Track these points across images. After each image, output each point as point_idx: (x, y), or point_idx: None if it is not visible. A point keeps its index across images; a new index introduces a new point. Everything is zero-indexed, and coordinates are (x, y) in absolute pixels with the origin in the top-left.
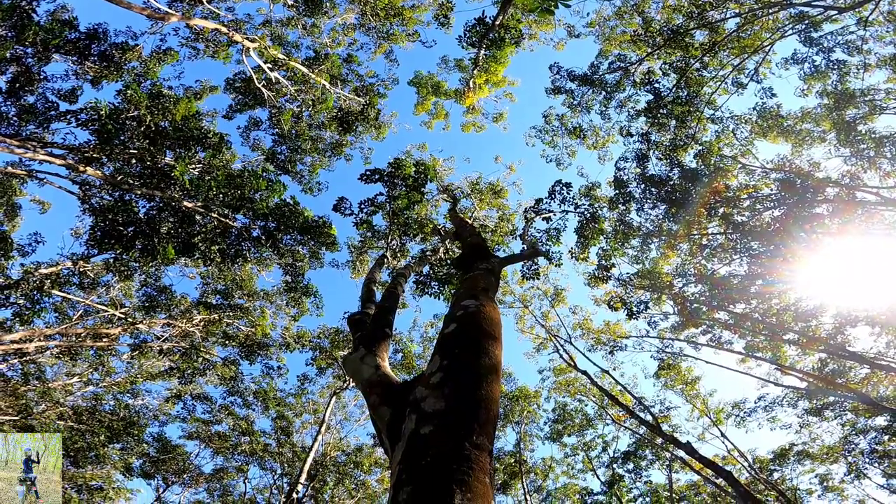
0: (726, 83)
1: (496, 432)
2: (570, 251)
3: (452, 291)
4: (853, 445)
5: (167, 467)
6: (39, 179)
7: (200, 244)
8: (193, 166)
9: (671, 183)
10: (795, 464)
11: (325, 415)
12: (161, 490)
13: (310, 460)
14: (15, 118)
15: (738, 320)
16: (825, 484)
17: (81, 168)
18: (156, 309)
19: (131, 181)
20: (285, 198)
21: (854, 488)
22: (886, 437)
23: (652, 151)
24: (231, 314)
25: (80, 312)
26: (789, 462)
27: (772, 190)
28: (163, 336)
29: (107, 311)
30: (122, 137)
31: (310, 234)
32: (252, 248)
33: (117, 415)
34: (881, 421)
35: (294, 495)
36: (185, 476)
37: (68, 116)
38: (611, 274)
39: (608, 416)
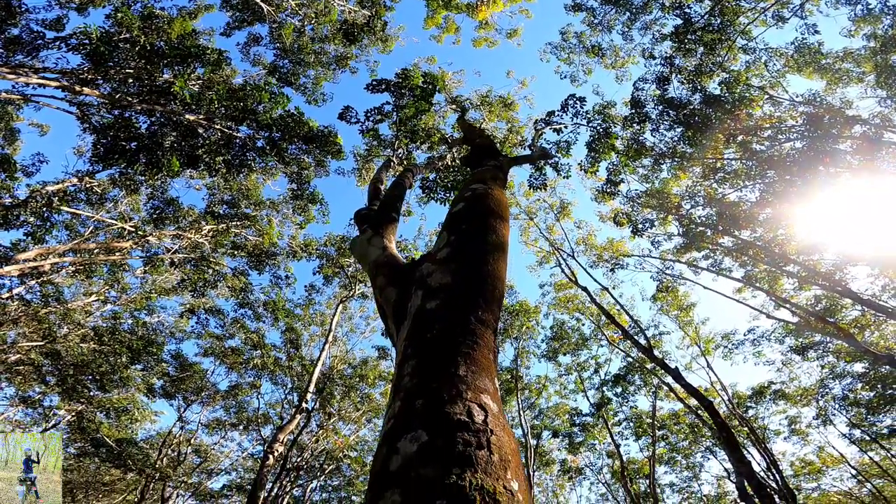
0: (766, 15)
1: (499, 321)
2: (579, 164)
3: None
4: (827, 389)
5: (186, 386)
6: (36, 103)
7: (205, 156)
8: (193, 82)
9: (691, 107)
10: (770, 403)
11: (331, 324)
12: (182, 410)
13: (317, 372)
14: (1, 50)
15: (742, 247)
16: (793, 426)
17: (78, 89)
18: (164, 221)
19: (130, 99)
20: (289, 109)
21: (818, 434)
22: (860, 385)
23: (674, 75)
24: (238, 223)
25: (91, 228)
26: (765, 401)
27: (796, 122)
28: (173, 248)
29: (116, 225)
30: (116, 59)
31: (315, 143)
32: (257, 158)
33: (136, 333)
34: (859, 367)
35: (303, 404)
36: (203, 394)
37: (57, 43)
38: (619, 190)
39: (603, 337)
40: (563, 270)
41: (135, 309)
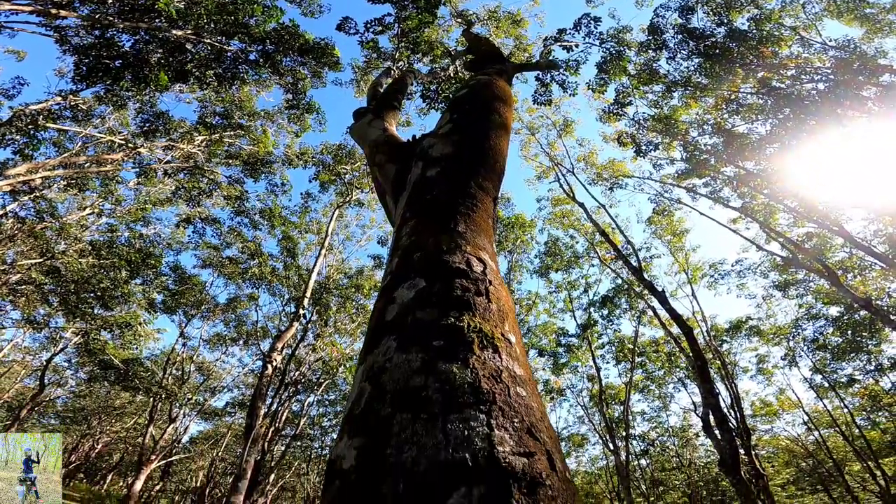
0: None
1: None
2: (587, 84)
3: None
4: (800, 329)
5: (186, 300)
6: (10, 30)
7: (194, 70)
8: None
9: (713, 40)
10: (744, 338)
11: (328, 228)
12: (183, 325)
13: (313, 280)
14: None
15: (744, 177)
16: (761, 365)
17: (54, 12)
18: (155, 133)
19: (111, 18)
20: (283, 21)
21: (782, 376)
22: (831, 329)
23: (700, 6)
24: (232, 134)
25: (79, 144)
26: (740, 336)
27: (823, 65)
28: (165, 159)
29: (105, 139)
30: None
31: (311, 55)
32: (250, 70)
33: (133, 246)
34: (834, 311)
35: (300, 310)
36: (202, 308)
37: None
38: (626, 112)
39: (596, 256)
40: (561, 186)
41: (130, 221)
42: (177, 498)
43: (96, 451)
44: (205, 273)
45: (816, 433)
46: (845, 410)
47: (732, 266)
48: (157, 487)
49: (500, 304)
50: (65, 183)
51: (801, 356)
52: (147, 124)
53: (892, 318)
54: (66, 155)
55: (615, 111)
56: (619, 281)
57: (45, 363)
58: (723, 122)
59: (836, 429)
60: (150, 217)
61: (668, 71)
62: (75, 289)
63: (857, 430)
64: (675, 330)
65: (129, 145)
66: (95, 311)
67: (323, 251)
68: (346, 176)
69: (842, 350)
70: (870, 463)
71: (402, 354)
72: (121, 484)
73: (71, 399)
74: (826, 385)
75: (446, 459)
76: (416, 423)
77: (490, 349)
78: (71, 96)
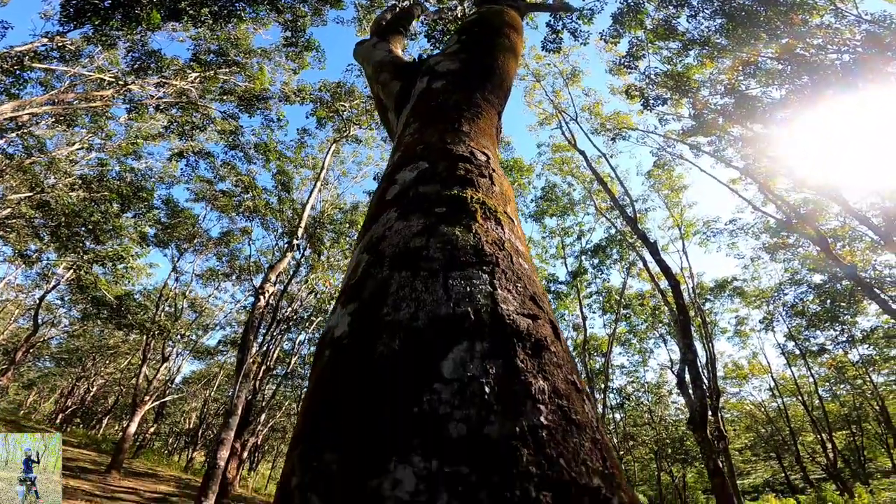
0: None
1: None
2: (600, 34)
3: None
4: (782, 294)
5: (178, 233)
6: None
7: (189, 8)
8: None
9: (740, 1)
10: (727, 299)
11: (324, 162)
12: (176, 259)
13: (307, 213)
14: None
15: (750, 140)
16: (739, 327)
17: None
18: (146, 71)
19: None
20: None
21: (757, 339)
22: (812, 296)
23: None
24: (227, 70)
25: (67, 84)
26: (723, 296)
27: (853, 37)
28: (157, 95)
29: (94, 77)
30: None
31: None
32: (247, 7)
33: (124, 179)
34: (818, 278)
35: (294, 241)
36: (195, 242)
37: None
38: (637, 66)
39: (592, 204)
40: (563, 133)
41: (121, 155)
42: (170, 440)
43: (91, 393)
44: (197, 207)
45: (780, 400)
46: (811, 380)
47: (726, 225)
48: (152, 430)
49: (503, 189)
50: (53, 120)
51: (778, 321)
52: (138, 62)
53: (875, 290)
54: (53, 93)
55: (626, 64)
56: (613, 231)
57: (38, 301)
58: (737, 83)
59: (799, 398)
60: (142, 151)
61: (686, 29)
62: (66, 222)
63: (817, 401)
64: (663, 284)
65: (120, 83)
66: (87, 246)
67: (318, 185)
68: (345, 113)
69: (818, 318)
70: (823, 435)
71: (403, 222)
72: (116, 428)
73: (65, 339)
74: (797, 353)
75: (447, 314)
76: (415, 280)
77: (493, 220)
78: (58, 37)
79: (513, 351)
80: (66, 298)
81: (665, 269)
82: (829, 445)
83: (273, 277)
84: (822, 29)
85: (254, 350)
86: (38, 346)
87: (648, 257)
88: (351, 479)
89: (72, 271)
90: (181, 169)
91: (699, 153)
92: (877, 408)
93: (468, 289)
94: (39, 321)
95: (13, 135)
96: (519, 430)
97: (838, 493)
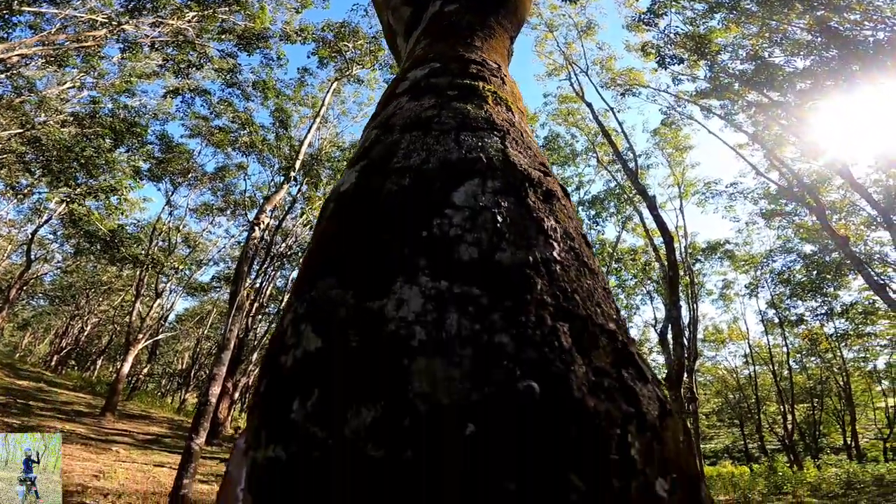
0: None
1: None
2: None
3: None
4: (771, 260)
5: (172, 168)
6: None
7: None
8: None
9: None
10: (717, 261)
11: (324, 100)
12: (170, 193)
13: (304, 149)
14: None
15: (765, 106)
16: (725, 291)
17: None
18: (141, 11)
19: None
20: None
21: (740, 305)
22: (799, 266)
23: None
24: (227, 9)
25: (58, 26)
26: (713, 258)
27: (892, 15)
28: (152, 35)
29: (86, 18)
30: None
31: None
32: None
33: (117, 116)
34: (808, 249)
35: (291, 173)
36: (190, 176)
37: None
38: (657, 24)
39: (594, 156)
40: (572, 84)
41: (115, 93)
42: (163, 381)
43: (85, 333)
44: (192, 143)
45: (752, 368)
46: (784, 350)
47: (726, 187)
48: (145, 371)
49: (514, 90)
50: (43, 61)
51: (763, 287)
52: (133, 2)
53: (864, 265)
54: (43, 34)
55: (646, 21)
56: (613, 184)
57: (30, 236)
58: (760, 50)
59: (770, 366)
60: (136, 90)
61: None
62: (58, 156)
63: (786, 372)
64: (657, 240)
65: (113, 23)
66: (79, 179)
67: (317, 123)
68: (348, 53)
69: (802, 288)
70: (786, 406)
71: (414, 102)
72: (111, 369)
73: (58, 276)
74: (776, 321)
75: (459, 158)
76: (426, 136)
77: (503, 106)
78: None
79: (524, 192)
80: (58, 233)
81: (661, 225)
82: (789, 417)
83: (269, 209)
84: (862, 4)
85: (247, 283)
86: (32, 283)
87: (646, 213)
88: (350, 304)
89: (64, 205)
90: (176, 106)
91: (710, 115)
92: (840, 383)
93: (479, 143)
94: (32, 257)
95: (2, 76)
96: (532, 259)
97: (789, 465)
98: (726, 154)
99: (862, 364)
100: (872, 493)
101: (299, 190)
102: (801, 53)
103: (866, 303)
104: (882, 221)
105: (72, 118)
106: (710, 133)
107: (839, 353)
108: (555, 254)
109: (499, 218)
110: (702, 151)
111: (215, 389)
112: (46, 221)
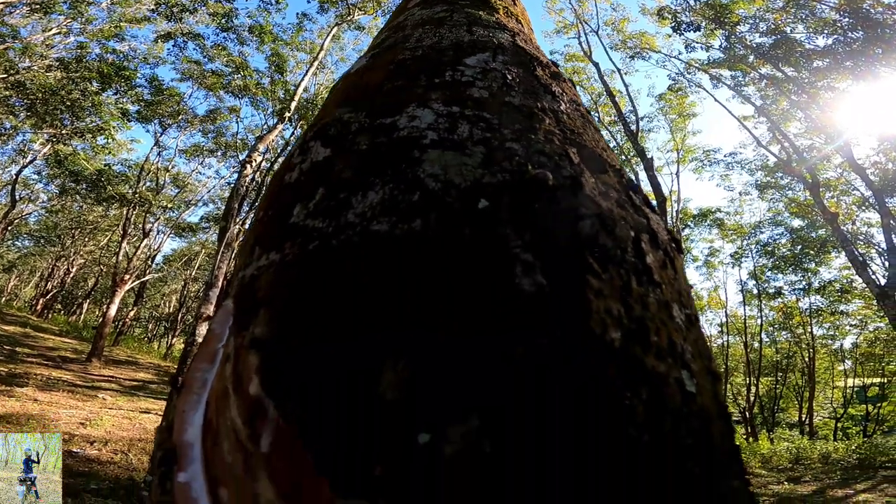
0: None
1: None
2: None
3: None
4: (759, 231)
5: (162, 110)
6: None
7: None
8: None
9: None
10: (706, 228)
11: (323, 44)
12: (159, 134)
13: (300, 92)
14: None
15: (778, 80)
16: (709, 259)
17: None
18: None
19: None
20: None
21: (722, 274)
22: (786, 239)
23: None
24: None
25: None
26: (703, 224)
27: None
28: None
29: None
30: None
31: None
32: None
33: (106, 60)
34: (797, 223)
35: (286, 114)
36: (180, 118)
37: None
38: None
39: (596, 116)
40: (580, 43)
41: (103, 38)
42: (150, 326)
43: (71, 275)
44: (183, 86)
45: (725, 338)
46: (758, 321)
47: (725, 156)
48: (131, 314)
49: (525, 14)
50: (28, 8)
51: (747, 257)
52: None
53: (849, 243)
54: None
55: None
56: (612, 145)
57: (14, 176)
58: (783, 25)
59: (742, 337)
60: (125, 35)
61: None
62: (43, 98)
63: (757, 344)
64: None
65: None
66: (65, 122)
67: (314, 68)
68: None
69: (784, 261)
70: (751, 378)
71: (426, 9)
72: (97, 313)
73: (43, 216)
74: (755, 292)
75: (470, 41)
76: (438, 28)
77: (514, 20)
78: None
79: (532, 67)
80: (43, 173)
81: (655, 186)
82: (753, 389)
83: (262, 147)
84: None
85: (237, 221)
86: (17, 224)
87: (642, 175)
88: (362, 121)
89: (49, 146)
90: (168, 50)
91: (719, 85)
92: (806, 359)
93: (490, 33)
94: (17, 197)
95: None
96: (539, 105)
97: (745, 436)
98: (729, 124)
99: (829, 342)
100: (817, 470)
101: (293, 133)
102: (825, 32)
103: (845, 281)
104: (874, 203)
105: (57, 63)
106: (716, 102)
107: (809, 329)
108: (562, 107)
109: (508, 76)
110: (704, 120)
111: (202, 330)
112: (31, 162)
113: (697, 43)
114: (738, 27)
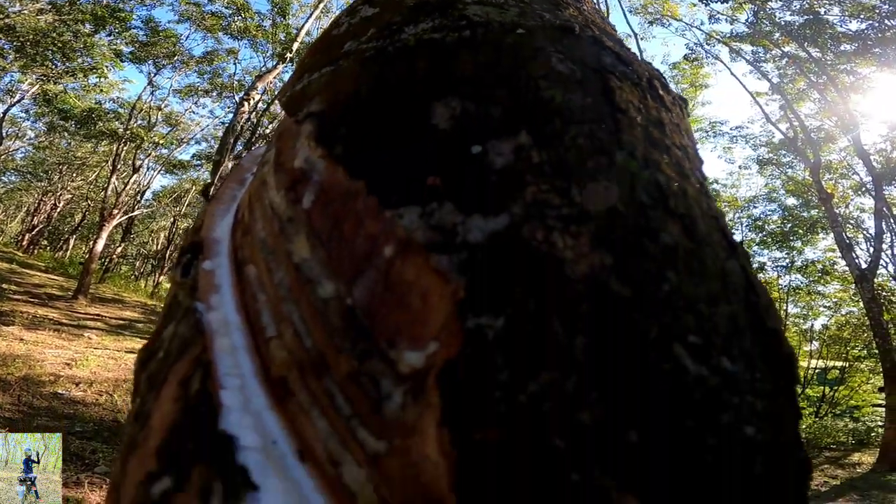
0: None
1: None
2: None
3: None
4: (753, 206)
5: (157, 51)
6: None
7: None
8: None
9: None
10: None
11: None
12: (152, 75)
13: (302, 35)
14: None
15: (800, 60)
16: None
17: None
18: None
19: None
20: None
21: None
22: (777, 216)
23: None
24: None
25: None
26: None
27: None
28: None
29: None
30: None
31: None
32: None
33: (100, 2)
34: (791, 201)
35: (288, 54)
36: (175, 59)
37: None
38: None
39: None
40: (597, 3)
41: None
42: (137, 264)
43: (58, 210)
44: (181, 27)
45: None
46: None
47: (731, 130)
48: (119, 251)
49: None
50: None
51: (737, 230)
52: None
53: (839, 224)
54: None
55: None
56: None
57: (1, 115)
58: (818, 5)
59: None
60: None
61: None
62: (33, 40)
63: None
64: None
65: None
66: (55, 63)
67: (318, 11)
68: None
69: (772, 237)
70: None
71: None
72: (83, 249)
73: (31, 152)
74: None
75: None
76: None
77: None
78: None
79: None
80: (30, 111)
81: None
82: None
83: (260, 87)
84: None
85: (231, 156)
86: (3, 160)
87: None
88: None
89: (38, 85)
90: None
91: (737, 58)
92: None
93: None
94: (3, 134)
95: None
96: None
97: None
98: (741, 99)
99: (801, 321)
100: None
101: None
102: (861, 16)
103: (827, 263)
104: (871, 189)
105: (49, 6)
106: (732, 75)
107: (784, 307)
108: (585, 7)
109: None
110: (715, 92)
111: None
112: (18, 101)
113: (723, 15)
114: (770, 2)
